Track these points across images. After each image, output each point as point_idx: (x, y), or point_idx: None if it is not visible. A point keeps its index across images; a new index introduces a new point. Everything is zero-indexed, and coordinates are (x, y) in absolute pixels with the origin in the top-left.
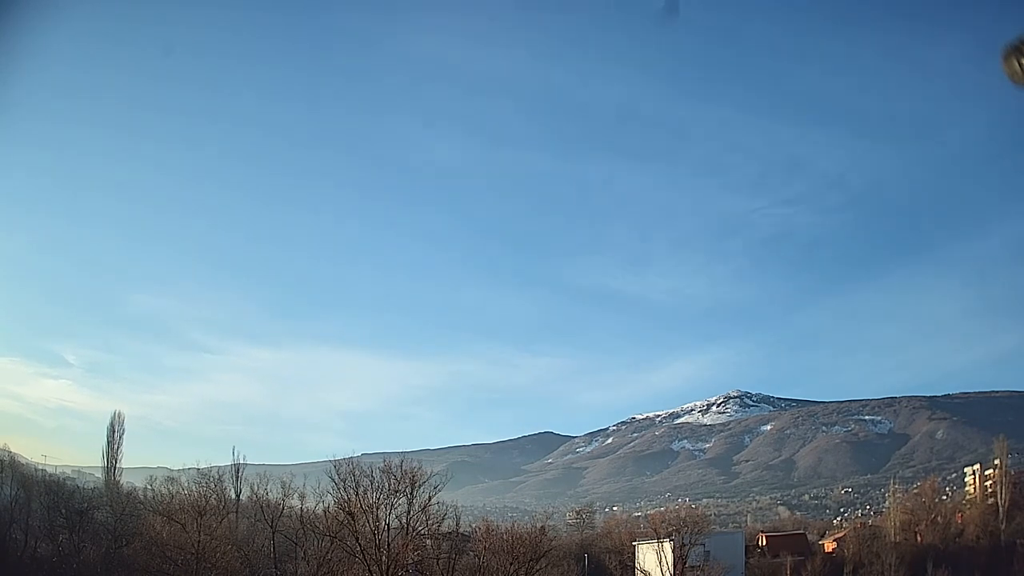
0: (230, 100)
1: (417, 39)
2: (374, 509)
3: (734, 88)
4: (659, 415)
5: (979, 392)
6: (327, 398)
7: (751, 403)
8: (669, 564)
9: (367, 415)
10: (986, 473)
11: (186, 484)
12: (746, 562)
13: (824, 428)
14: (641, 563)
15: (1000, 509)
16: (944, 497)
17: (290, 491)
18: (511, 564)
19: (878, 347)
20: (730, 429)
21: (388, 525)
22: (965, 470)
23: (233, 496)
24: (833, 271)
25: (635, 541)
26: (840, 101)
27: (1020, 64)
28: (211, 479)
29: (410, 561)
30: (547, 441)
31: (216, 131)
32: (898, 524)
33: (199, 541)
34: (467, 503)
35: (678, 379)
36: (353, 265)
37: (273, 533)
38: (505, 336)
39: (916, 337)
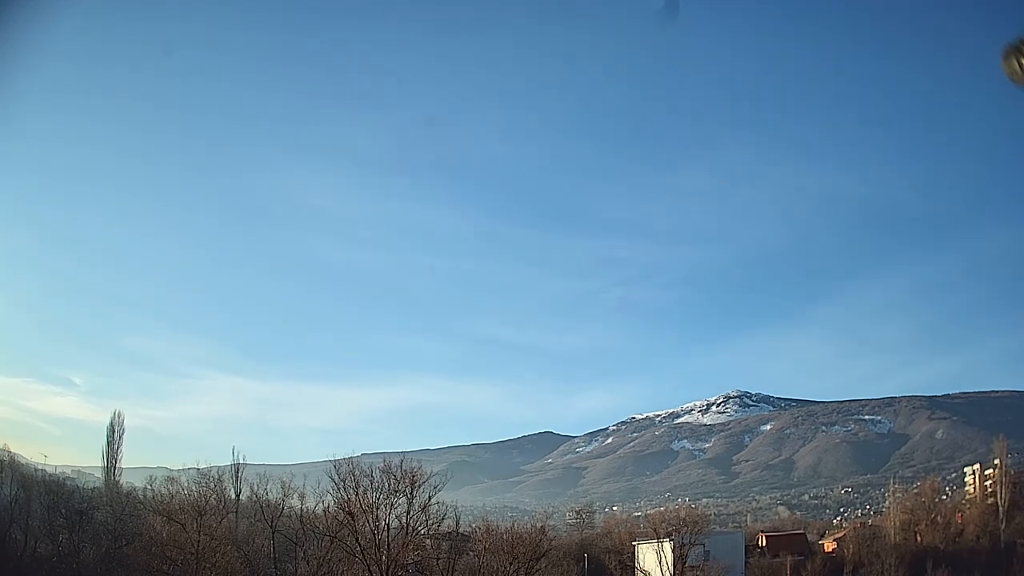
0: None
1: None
2: (374, 509)
3: (547, 213)
4: (659, 415)
5: (979, 392)
6: (302, 418)
7: (751, 403)
8: (669, 564)
9: (337, 431)
10: (986, 473)
11: (186, 484)
12: (746, 562)
13: (824, 428)
14: (641, 563)
15: (1000, 509)
16: (944, 497)
17: (290, 491)
18: (511, 564)
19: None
20: (730, 429)
21: (388, 525)
22: (965, 470)
23: (233, 496)
24: (678, 332)
25: (635, 541)
26: (628, 219)
27: (1020, 64)
28: (211, 479)
29: (410, 561)
30: (547, 441)
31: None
32: (898, 524)
33: (199, 541)
34: (467, 503)
35: (678, 379)
36: (307, 318)
37: (273, 533)
38: (435, 371)
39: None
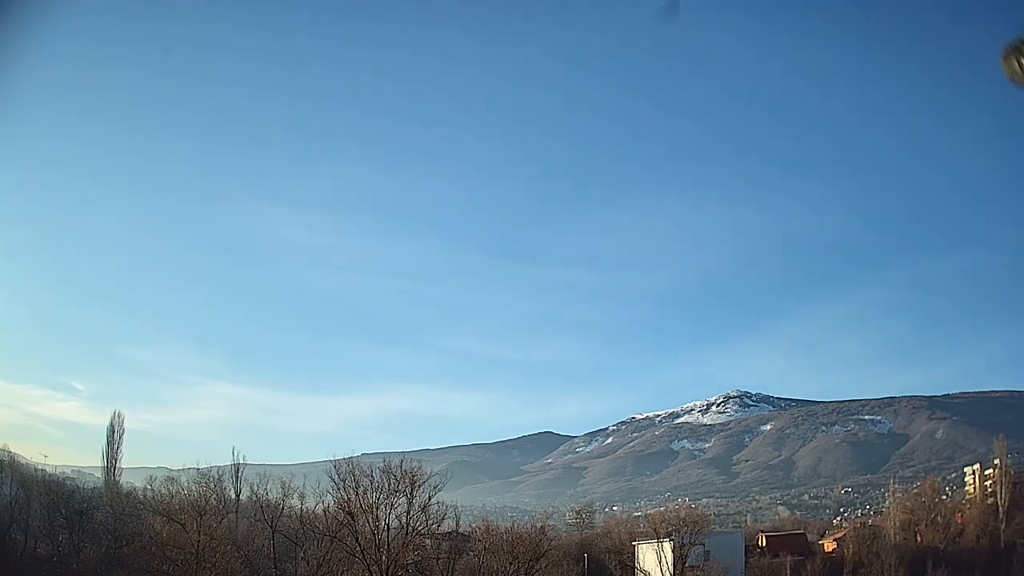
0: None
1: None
2: (374, 509)
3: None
4: (659, 415)
5: (979, 392)
6: (299, 424)
7: (751, 403)
8: (669, 564)
9: (333, 436)
10: (986, 473)
11: (186, 484)
12: (746, 562)
13: (824, 428)
14: (641, 563)
15: (1000, 509)
16: (944, 497)
17: (290, 491)
18: (511, 564)
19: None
20: (730, 429)
21: (388, 525)
22: (965, 470)
23: (233, 496)
24: (638, 344)
25: (635, 541)
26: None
27: (1020, 64)
28: (211, 479)
29: (410, 561)
30: (547, 441)
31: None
32: (898, 524)
33: (199, 541)
34: (467, 503)
35: (678, 379)
36: (292, 334)
37: (273, 533)
38: (418, 381)
39: None
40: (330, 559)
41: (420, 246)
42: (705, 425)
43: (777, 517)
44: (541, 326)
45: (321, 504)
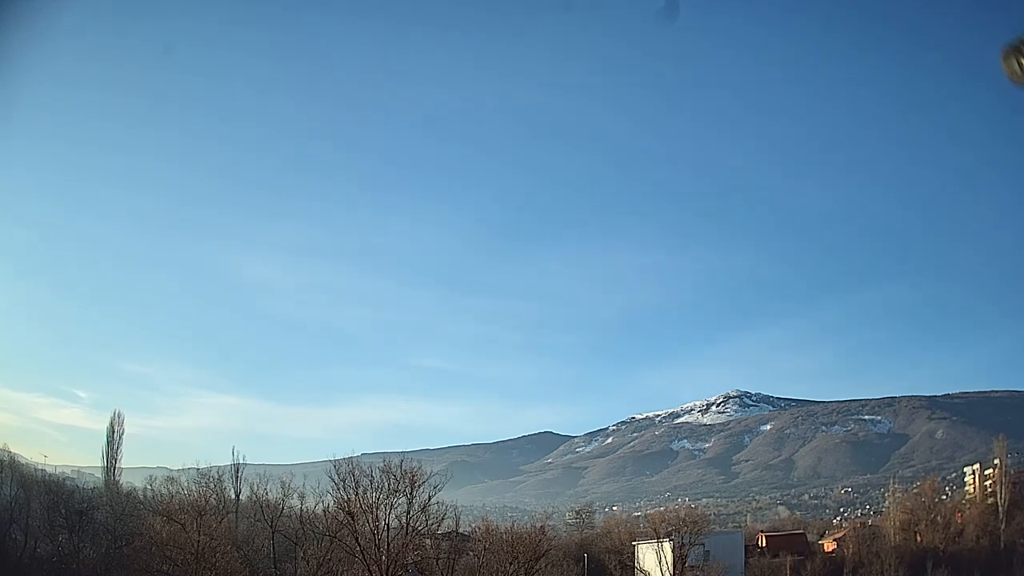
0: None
1: None
2: (374, 509)
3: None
4: (659, 415)
5: (979, 392)
6: (289, 430)
7: (751, 403)
8: (669, 564)
9: (325, 440)
10: (986, 473)
11: (186, 484)
12: (746, 562)
13: (824, 428)
14: (641, 563)
15: (1000, 509)
16: (944, 497)
17: (290, 491)
18: (511, 564)
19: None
20: (730, 429)
21: (388, 525)
22: (965, 470)
23: (233, 496)
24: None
25: (635, 541)
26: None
27: (1020, 64)
28: (211, 479)
29: (410, 561)
30: (547, 441)
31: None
32: (898, 524)
33: (199, 541)
34: (467, 503)
35: (678, 379)
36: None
37: (273, 533)
38: (404, 393)
39: None
40: (330, 559)
41: (374, 282)
42: (705, 425)
43: (777, 517)
44: (488, 348)
45: (321, 504)
